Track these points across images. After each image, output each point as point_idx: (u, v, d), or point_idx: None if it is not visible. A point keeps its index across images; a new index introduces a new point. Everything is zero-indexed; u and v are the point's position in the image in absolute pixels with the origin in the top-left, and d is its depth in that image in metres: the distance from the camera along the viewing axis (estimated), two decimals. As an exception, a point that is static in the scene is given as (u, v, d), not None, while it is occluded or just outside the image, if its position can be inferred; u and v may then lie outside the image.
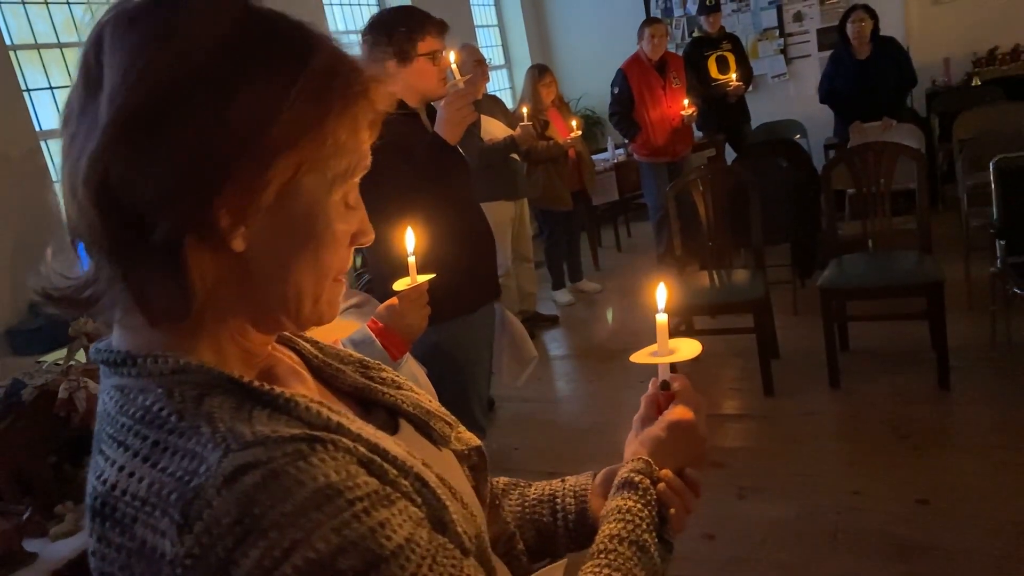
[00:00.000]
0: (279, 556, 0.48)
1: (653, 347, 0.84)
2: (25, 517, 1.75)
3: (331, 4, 5.64)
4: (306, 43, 0.57)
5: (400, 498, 0.55)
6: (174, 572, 0.48)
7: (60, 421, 1.86)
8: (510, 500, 0.91)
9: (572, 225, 5.13)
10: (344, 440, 0.54)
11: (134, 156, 0.51)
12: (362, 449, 0.55)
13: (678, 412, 0.81)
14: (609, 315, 4.94)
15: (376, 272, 2.25)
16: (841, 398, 3.26)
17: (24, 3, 3.74)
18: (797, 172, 4.44)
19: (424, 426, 0.74)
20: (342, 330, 1.46)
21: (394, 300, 1.42)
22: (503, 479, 0.94)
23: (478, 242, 2.27)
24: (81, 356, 2.14)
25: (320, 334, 1.42)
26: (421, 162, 2.02)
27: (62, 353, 2.23)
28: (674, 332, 3.53)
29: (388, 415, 0.73)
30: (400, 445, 0.63)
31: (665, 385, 0.83)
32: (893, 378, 3.31)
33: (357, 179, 0.62)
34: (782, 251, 4.45)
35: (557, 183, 4.77)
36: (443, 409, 0.80)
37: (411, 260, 1.28)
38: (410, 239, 1.27)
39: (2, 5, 3.53)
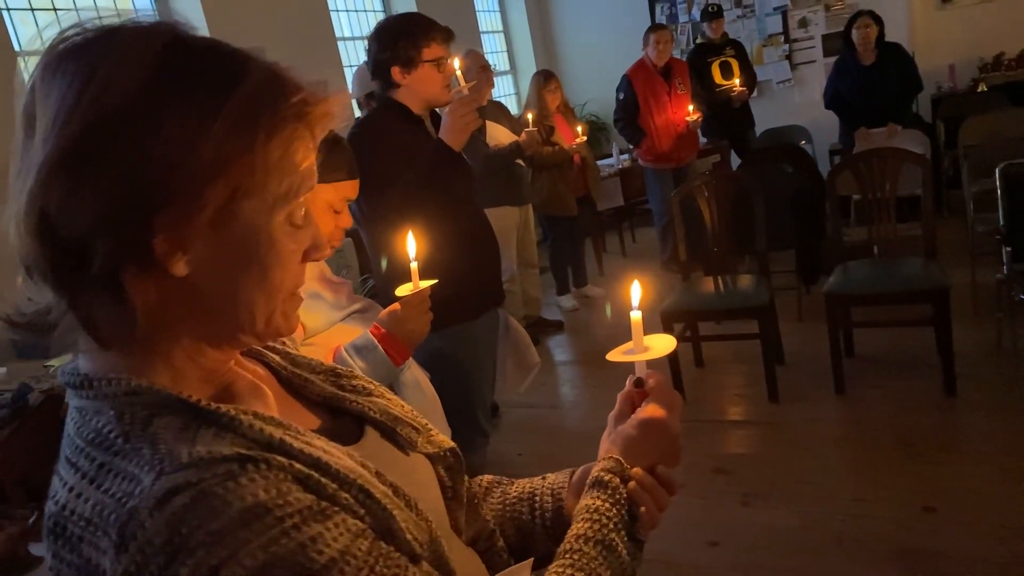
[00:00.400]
0: (206, 574, 0.50)
1: (629, 344, 0.84)
2: (31, 522, 1.76)
3: (337, 11, 5.67)
4: (233, 72, 0.58)
5: (337, 512, 0.57)
6: None
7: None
8: (492, 498, 0.93)
9: (576, 231, 5.13)
10: (279, 458, 0.56)
11: (67, 191, 0.53)
12: (298, 466, 0.57)
13: (650, 410, 0.82)
14: (608, 309, 4.92)
15: (379, 276, 2.26)
16: (846, 405, 3.25)
17: (33, 9, 3.77)
18: (802, 178, 4.43)
19: (390, 432, 0.77)
20: (345, 335, 1.46)
21: (396, 306, 1.42)
22: (487, 477, 0.96)
23: (482, 248, 2.27)
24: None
25: (323, 340, 1.43)
26: (425, 168, 2.03)
27: (68, 358, 2.24)
28: (679, 338, 3.52)
29: (355, 423, 0.76)
30: (353, 456, 0.65)
31: (639, 383, 0.84)
32: (898, 385, 3.30)
33: (302, 198, 0.63)
34: (787, 257, 4.44)
35: (562, 189, 4.78)
36: (413, 414, 0.82)
37: (413, 266, 1.28)
38: (412, 245, 1.27)
39: (11, 12, 3.55)
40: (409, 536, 0.62)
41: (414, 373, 1.62)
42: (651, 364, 0.86)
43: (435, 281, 1.35)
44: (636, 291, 0.87)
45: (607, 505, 0.76)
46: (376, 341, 1.41)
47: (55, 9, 3.87)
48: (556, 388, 4.12)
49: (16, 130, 0.58)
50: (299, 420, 0.70)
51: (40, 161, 0.54)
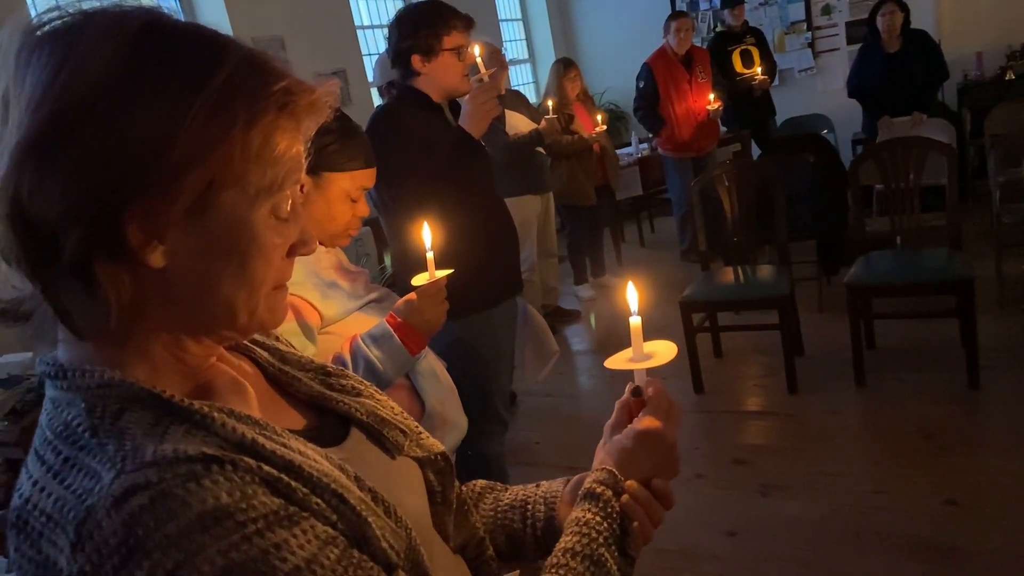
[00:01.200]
0: None
1: (628, 351, 0.81)
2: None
3: (356, -1, 5.66)
4: (211, 58, 0.56)
5: (306, 517, 0.55)
6: None
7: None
8: (484, 504, 0.90)
9: (595, 220, 5.11)
10: (247, 460, 0.54)
11: (38, 177, 0.52)
12: (268, 468, 0.55)
13: (647, 421, 0.78)
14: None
15: (399, 266, 2.26)
16: (867, 397, 3.22)
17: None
18: (824, 167, 4.38)
19: (376, 434, 0.74)
20: (362, 324, 1.46)
21: (413, 295, 1.42)
22: (480, 482, 0.94)
23: (500, 236, 2.27)
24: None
25: (340, 329, 1.43)
26: (445, 156, 2.03)
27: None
28: (698, 328, 3.51)
29: (341, 424, 0.74)
30: (331, 459, 0.63)
31: (637, 391, 0.81)
32: (920, 377, 3.26)
33: (288, 191, 0.61)
34: (808, 247, 4.40)
35: (580, 178, 4.76)
36: (403, 416, 0.79)
37: (429, 256, 1.28)
38: (427, 235, 1.27)
39: (35, 2, 3.59)
40: (385, 544, 0.60)
41: (430, 362, 1.62)
42: (651, 371, 0.82)
43: (451, 271, 1.35)
44: (632, 294, 0.83)
45: (598, 519, 0.73)
46: (392, 330, 1.41)
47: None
48: (573, 377, 4.12)
49: None
50: (283, 419, 0.69)
51: (12, 146, 0.53)
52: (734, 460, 2.90)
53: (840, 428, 3.03)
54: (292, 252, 0.64)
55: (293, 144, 0.60)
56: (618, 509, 0.75)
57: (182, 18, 0.61)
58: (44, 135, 0.52)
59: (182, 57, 0.56)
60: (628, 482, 0.76)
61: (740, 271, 3.57)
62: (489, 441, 2.26)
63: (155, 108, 0.53)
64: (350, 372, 0.81)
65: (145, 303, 0.58)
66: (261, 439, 0.58)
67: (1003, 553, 2.17)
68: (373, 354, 1.39)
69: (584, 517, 0.74)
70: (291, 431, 0.65)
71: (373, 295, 1.57)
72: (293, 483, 0.56)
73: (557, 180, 4.54)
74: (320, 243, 1.53)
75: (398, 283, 2.28)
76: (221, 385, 0.64)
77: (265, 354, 0.75)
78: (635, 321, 0.81)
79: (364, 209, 1.55)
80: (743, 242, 3.57)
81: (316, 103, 0.61)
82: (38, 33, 0.55)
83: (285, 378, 0.74)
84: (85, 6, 0.57)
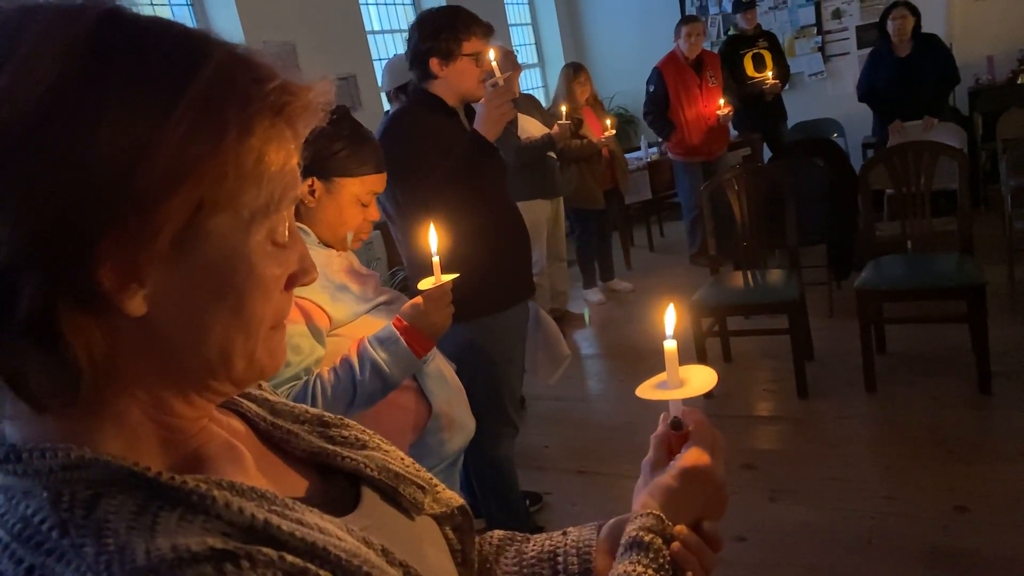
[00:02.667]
0: None
1: (661, 377, 0.73)
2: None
3: (367, 4, 5.70)
4: (190, 54, 0.46)
5: None
6: None
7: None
8: (506, 558, 0.80)
9: (604, 224, 5.12)
10: (266, 550, 0.44)
11: None
12: (290, 559, 0.45)
13: (692, 456, 0.70)
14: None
15: (412, 268, 2.27)
16: (877, 402, 3.21)
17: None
18: (834, 172, 4.37)
19: (392, 493, 0.64)
20: (370, 327, 1.48)
21: (419, 299, 1.44)
22: (497, 533, 0.83)
23: (513, 240, 2.28)
24: None
25: (348, 332, 1.45)
26: (461, 159, 2.04)
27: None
28: (708, 332, 3.50)
29: (348, 483, 0.63)
30: (353, 531, 0.54)
31: (676, 424, 0.73)
32: (931, 382, 3.24)
33: (286, 212, 0.52)
34: (818, 252, 4.39)
35: (590, 182, 4.77)
36: (416, 469, 0.69)
37: (435, 260, 1.30)
38: (433, 239, 1.28)
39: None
40: None
41: (438, 364, 1.63)
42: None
43: (457, 275, 1.37)
44: (671, 317, 0.73)
45: (650, 572, 0.64)
46: (398, 333, 1.43)
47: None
48: (582, 381, 4.12)
49: None
50: (282, 485, 0.58)
51: None
52: (743, 465, 2.90)
53: (850, 433, 3.02)
54: (291, 284, 0.54)
55: (290, 155, 0.51)
56: (669, 559, 0.66)
57: (194, 25, 0.52)
58: None
59: (154, 53, 0.45)
60: (677, 527, 0.68)
61: (750, 275, 3.56)
62: (499, 444, 2.27)
63: (124, 118, 0.43)
64: (351, 422, 0.70)
65: (121, 360, 0.47)
66: (275, 519, 0.47)
67: (1015, 559, 2.16)
68: (380, 356, 1.41)
69: (634, 571, 0.65)
70: (297, 499, 0.54)
71: (382, 298, 1.58)
72: (322, 572, 0.46)
73: (567, 184, 4.55)
74: (331, 247, 1.55)
75: (411, 286, 2.29)
76: (213, 452, 0.52)
77: (254, 407, 0.64)
78: (670, 345, 0.72)
79: (375, 214, 1.57)
80: (753, 246, 3.56)
81: (311, 105, 0.51)
82: None
83: (279, 434, 0.63)
84: (24, 1, 0.45)
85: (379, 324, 1.48)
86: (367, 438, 0.68)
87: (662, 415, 0.75)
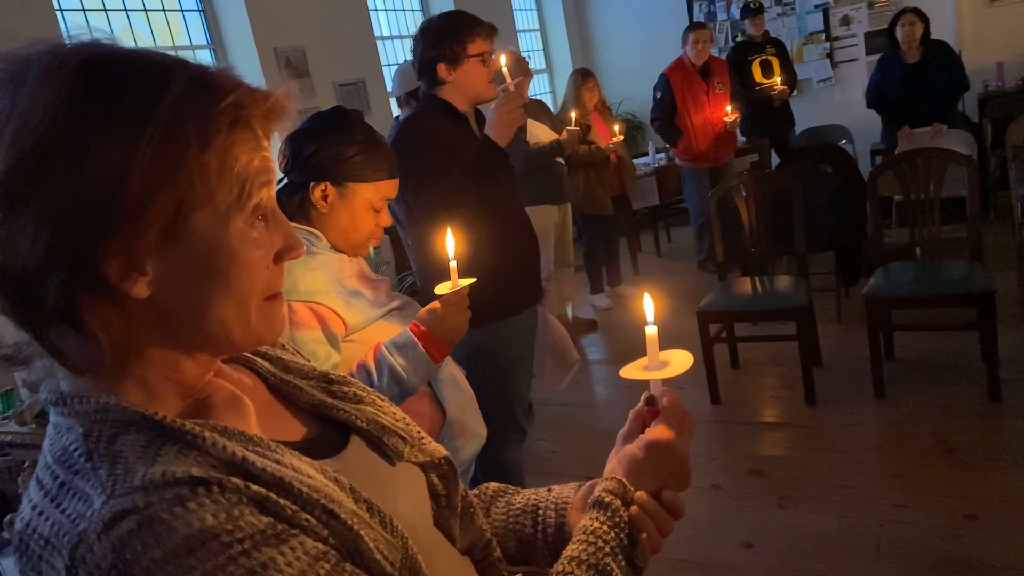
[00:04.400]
0: None
1: (644, 360, 0.81)
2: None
3: (376, 10, 5.73)
4: (154, 86, 0.56)
5: (296, 535, 0.56)
6: None
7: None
8: (497, 507, 0.91)
9: (612, 230, 5.12)
10: (235, 480, 0.55)
11: (7, 231, 0.53)
12: (255, 487, 0.56)
13: (658, 431, 0.77)
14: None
15: (422, 273, 2.28)
16: (886, 409, 3.20)
17: (84, 11, 3.88)
18: (842, 178, 4.37)
19: (376, 442, 0.75)
20: (385, 333, 1.48)
21: (436, 304, 1.44)
22: (493, 485, 0.94)
23: (522, 245, 2.28)
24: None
25: (363, 337, 1.45)
26: (472, 165, 2.05)
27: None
28: (715, 338, 3.50)
29: (340, 431, 0.74)
30: (326, 471, 0.64)
31: (651, 400, 0.80)
32: (940, 389, 3.24)
33: (260, 198, 0.61)
34: (826, 258, 4.38)
35: (597, 187, 4.77)
36: (404, 423, 0.80)
37: (452, 264, 1.29)
38: (450, 243, 1.28)
39: (63, 12, 3.67)
40: (379, 556, 0.61)
41: (451, 369, 1.63)
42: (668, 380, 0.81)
43: (474, 280, 1.36)
44: (649, 304, 0.83)
45: (605, 528, 0.73)
46: (416, 339, 1.42)
47: (105, 10, 3.98)
48: (590, 387, 4.12)
49: None
50: (283, 429, 0.70)
51: None
52: (751, 471, 2.89)
53: (858, 440, 3.01)
54: (279, 259, 0.64)
55: (255, 154, 0.60)
56: (626, 519, 0.75)
57: (205, 30, 0.60)
58: (3, 190, 0.53)
59: (125, 90, 0.55)
60: (638, 493, 0.76)
61: (758, 281, 3.56)
62: (507, 449, 2.27)
63: (106, 145, 0.53)
64: (353, 379, 0.81)
65: (137, 334, 0.59)
66: (252, 457, 0.58)
67: (1025, 568, 2.15)
68: (397, 362, 1.40)
69: (592, 526, 0.74)
70: (289, 442, 0.66)
71: (395, 303, 1.59)
72: (282, 501, 0.57)
73: (575, 190, 4.56)
74: (342, 252, 1.55)
75: (422, 291, 2.30)
76: (218, 401, 0.64)
77: (266, 364, 0.76)
78: (651, 330, 0.80)
79: (387, 219, 1.57)
80: (761, 252, 3.56)
81: (273, 109, 0.61)
82: None
83: (287, 387, 0.75)
84: (27, 52, 0.56)
85: (393, 329, 1.48)
86: (364, 394, 0.80)
87: (642, 393, 0.82)
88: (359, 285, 1.52)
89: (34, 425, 2.29)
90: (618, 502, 0.75)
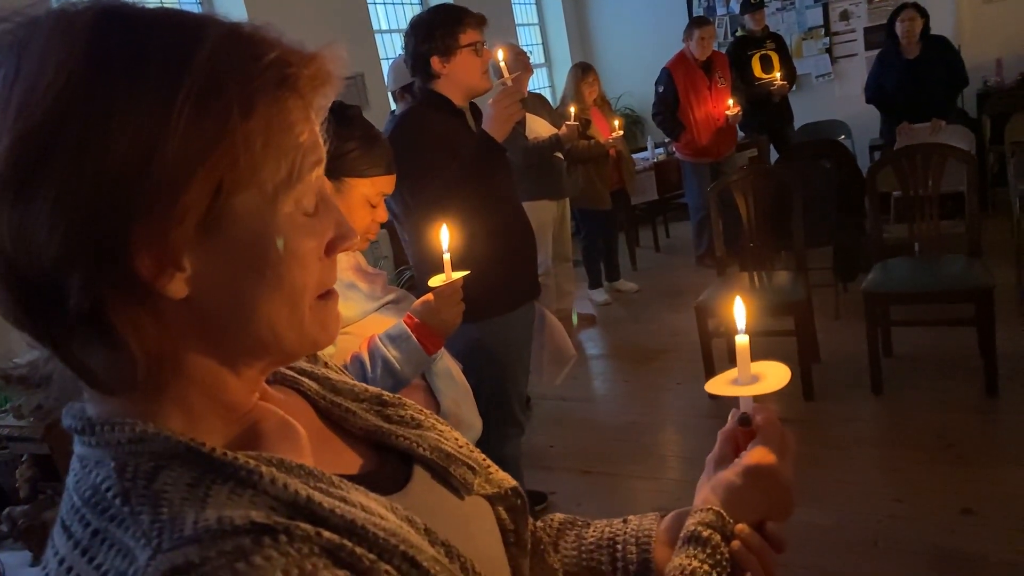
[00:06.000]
0: None
1: (732, 373, 0.71)
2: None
3: (374, 3, 5.71)
4: (186, 40, 0.47)
5: None
6: None
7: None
8: (566, 541, 0.81)
9: (610, 224, 5.12)
10: (304, 526, 0.46)
11: (17, 224, 0.44)
12: (327, 534, 0.47)
13: (758, 455, 0.69)
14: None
15: (419, 268, 2.28)
16: (884, 404, 3.20)
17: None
18: (841, 174, 4.36)
19: (442, 473, 0.65)
20: (379, 325, 1.48)
21: (429, 296, 1.44)
22: (559, 516, 0.84)
23: (520, 240, 2.29)
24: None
25: (358, 329, 1.45)
26: (468, 159, 2.05)
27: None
28: (713, 333, 3.50)
29: (402, 461, 0.65)
30: (397, 510, 0.55)
31: (744, 420, 0.71)
32: (938, 385, 3.24)
33: (312, 178, 0.52)
34: (824, 254, 4.38)
35: (596, 182, 4.77)
36: (469, 449, 0.70)
37: (446, 257, 1.29)
38: (445, 236, 1.28)
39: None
40: None
41: (446, 363, 1.64)
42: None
43: (467, 272, 1.36)
44: (740, 310, 0.72)
45: (706, 567, 0.65)
46: (409, 330, 1.43)
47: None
48: (588, 381, 4.12)
49: None
50: (338, 461, 0.62)
51: None
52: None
53: (856, 436, 3.02)
54: (331, 250, 0.55)
55: (306, 126, 0.51)
56: (727, 556, 0.66)
57: None
58: (10, 171, 0.44)
59: (151, 45, 0.46)
60: (738, 526, 0.68)
61: (756, 277, 3.56)
62: (505, 444, 2.27)
63: (132, 112, 0.44)
64: (409, 401, 0.72)
65: (175, 343, 0.49)
66: (317, 496, 0.49)
67: (1022, 563, 2.16)
68: (391, 354, 1.41)
69: (690, 565, 0.65)
70: (348, 476, 0.57)
71: (390, 296, 1.59)
72: (358, 549, 0.48)
73: (573, 185, 4.55)
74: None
75: (418, 285, 2.29)
76: (268, 428, 0.55)
77: (314, 385, 0.66)
78: (742, 340, 0.70)
79: (383, 215, 1.57)
80: (759, 248, 3.56)
81: (320, 72, 0.51)
82: None
83: (338, 411, 0.65)
84: (32, 10, 0.47)
85: (388, 322, 1.49)
86: (423, 418, 0.70)
87: (731, 411, 0.73)
88: (354, 278, 1.52)
89: (32, 419, 2.29)
90: (717, 537, 0.66)
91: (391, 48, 5.81)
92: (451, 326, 1.46)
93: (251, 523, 0.45)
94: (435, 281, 1.34)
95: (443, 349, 1.58)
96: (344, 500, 0.51)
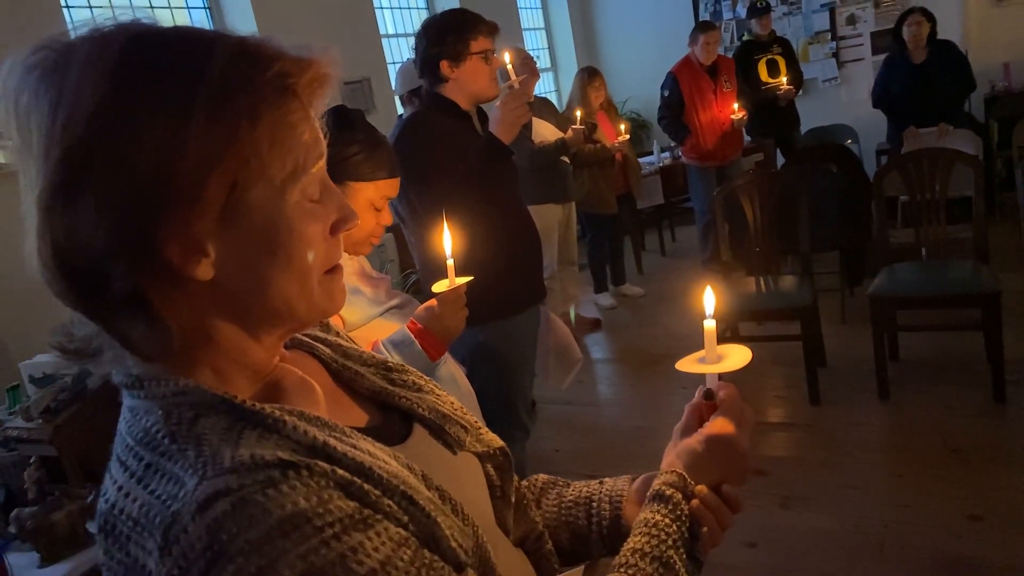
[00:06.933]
0: None
1: (700, 353, 0.80)
2: (89, 500, 1.83)
3: (381, 8, 5.73)
4: (197, 61, 0.55)
5: (380, 520, 0.56)
6: None
7: (121, 410, 1.94)
8: (547, 499, 0.90)
9: (616, 228, 5.12)
10: (321, 464, 0.55)
11: (67, 223, 0.53)
12: (341, 472, 0.56)
13: (718, 425, 0.77)
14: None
15: (425, 271, 2.29)
16: (890, 409, 3.19)
17: (90, 7, 3.89)
18: (847, 178, 4.36)
19: (439, 430, 0.75)
20: (383, 330, 1.48)
21: (433, 302, 1.44)
22: (542, 476, 0.94)
23: (525, 243, 2.29)
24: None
25: (361, 335, 1.46)
26: (475, 162, 2.06)
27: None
28: (719, 338, 3.49)
29: (403, 419, 0.74)
30: (399, 458, 0.64)
31: (709, 395, 0.80)
32: (945, 390, 3.23)
33: (315, 170, 0.61)
34: (831, 258, 4.38)
35: (602, 186, 4.77)
36: (463, 412, 0.80)
37: (449, 263, 1.29)
38: (448, 241, 1.28)
39: (70, 8, 3.68)
40: (454, 544, 0.61)
41: (449, 368, 1.64)
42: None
43: (471, 278, 1.36)
44: (709, 297, 0.82)
45: (667, 521, 0.73)
46: (413, 336, 1.43)
47: (111, 4, 3.99)
48: (594, 386, 4.12)
49: (17, 166, 0.57)
50: (347, 416, 0.70)
51: (36, 197, 0.54)
52: (754, 471, 2.89)
53: (863, 441, 3.01)
54: (335, 230, 0.64)
55: (305, 126, 0.59)
56: (687, 513, 0.75)
57: (211, 26, 0.60)
58: (60, 179, 0.52)
59: (169, 67, 0.55)
60: (698, 487, 0.76)
61: (762, 281, 3.56)
62: (510, 447, 2.27)
63: (155, 125, 0.53)
64: (411, 368, 0.81)
65: (203, 317, 0.59)
66: (332, 441, 0.59)
67: (1028, 570, 2.15)
68: (394, 359, 1.41)
69: (653, 519, 0.74)
70: (356, 428, 0.65)
71: (395, 301, 1.59)
72: (365, 486, 0.57)
73: (579, 189, 4.55)
74: (344, 250, 1.56)
75: (424, 289, 2.30)
76: (289, 385, 0.64)
77: (327, 350, 0.76)
78: (709, 324, 0.80)
79: (387, 218, 1.58)
80: (765, 252, 3.56)
81: (317, 77, 0.59)
82: (32, 75, 0.55)
83: (348, 374, 0.75)
84: (70, 37, 0.56)
85: (392, 327, 1.49)
86: (423, 383, 0.80)
87: (699, 387, 0.81)
88: (359, 283, 1.52)
89: (40, 421, 2.30)
90: (679, 495, 0.75)
91: (398, 53, 5.83)
92: (454, 332, 1.46)
93: (279, 459, 0.54)
94: (439, 287, 1.34)
95: (447, 354, 1.58)
96: (354, 447, 0.60)
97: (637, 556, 0.71)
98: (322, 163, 0.62)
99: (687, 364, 0.80)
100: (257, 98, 0.56)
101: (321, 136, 0.61)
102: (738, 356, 0.79)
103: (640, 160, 5.80)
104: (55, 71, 0.54)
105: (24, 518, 1.75)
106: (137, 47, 0.55)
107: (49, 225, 0.53)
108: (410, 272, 4.69)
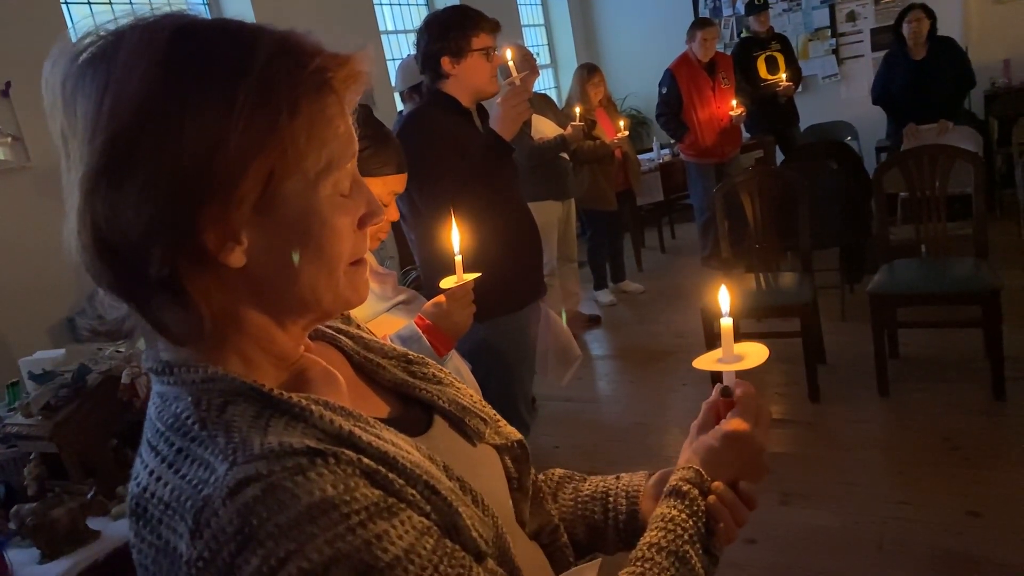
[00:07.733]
0: (275, 565, 0.51)
1: (718, 351, 0.81)
2: (89, 497, 1.83)
3: (381, 4, 5.72)
4: (242, 53, 0.56)
5: (404, 508, 0.57)
6: (189, 572, 0.53)
7: (122, 406, 1.94)
8: (563, 493, 0.91)
9: (616, 225, 5.12)
10: (348, 452, 0.56)
11: (109, 205, 0.54)
12: (367, 460, 0.57)
13: (735, 423, 0.79)
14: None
15: (427, 268, 2.29)
16: (890, 406, 3.20)
17: (90, 4, 3.87)
18: (847, 175, 4.36)
19: (458, 422, 0.76)
20: (390, 326, 1.48)
21: (441, 298, 1.44)
22: (559, 471, 0.94)
23: (526, 240, 2.29)
24: (142, 343, 2.21)
25: (370, 330, 1.45)
26: (477, 159, 2.06)
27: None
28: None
29: (424, 411, 0.75)
30: (420, 448, 0.65)
31: (726, 392, 0.81)
32: (945, 387, 3.23)
33: (348, 165, 0.62)
34: (831, 255, 4.38)
35: (602, 183, 4.77)
36: (482, 404, 0.81)
37: (457, 259, 1.29)
38: (455, 237, 1.28)
39: (68, 5, 3.66)
40: (475, 533, 0.62)
41: (456, 363, 1.64)
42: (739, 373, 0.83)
43: (479, 274, 1.36)
44: (724, 296, 0.83)
45: (683, 516, 0.74)
46: (421, 332, 1.42)
47: (111, 3, 3.98)
48: (593, 382, 4.12)
49: (59, 148, 0.59)
50: (370, 407, 0.71)
51: (78, 179, 0.55)
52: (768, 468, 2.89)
53: (862, 437, 3.01)
54: (363, 224, 0.65)
55: (342, 120, 0.61)
56: (704, 508, 0.76)
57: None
58: (104, 163, 0.54)
59: (215, 59, 0.56)
60: (715, 483, 0.77)
61: (762, 278, 3.56)
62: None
63: (200, 114, 0.54)
64: (431, 361, 0.82)
65: (234, 303, 0.60)
66: (357, 431, 0.60)
67: (1028, 566, 2.15)
68: None
69: (670, 514, 0.75)
70: (378, 419, 0.66)
71: (401, 297, 1.59)
72: (390, 475, 0.58)
73: (579, 185, 4.55)
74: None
75: (426, 286, 2.30)
76: (314, 376, 0.65)
77: (350, 342, 0.77)
78: (726, 322, 0.81)
79: (395, 213, 1.57)
80: (765, 249, 3.56)
81: (352, 73, 0.61)
82: (78, 62, 0.56)
83: (370, 366, 0.76)
84: (116, 26, 0.57)
85: (399, 323, 1.49)
86: (443, 375, 0.81)
87: (716, 385, 0.82)
88: (365, 278, 1.52)
89: (40, 417, 2.29)
90: (696, 491, 0.76)
91: (397, 49, 5.82)
92: (462, 328, 1.46)
93: (306, 447, 0.55)
94: (446, 283, 1.33)
95: (453, 350, 1.58)
96: (378, 436, 0.61)
97: (654, 550, 0.72)
98: (355, 159, 0.63)
99: (705, 362, 0.80)
100: (298, 92, 0.57)
101: (354, 132, 0.63)
102: (755, 354, 0.80)
103: (640, 157, 5.80)
104: (102, 59, 0.56)
105: (24, 514, 1.74)
106: (183, 38, 0.56)
107: (91, 207, 0.55)
108: (410, 268, 4.69)
